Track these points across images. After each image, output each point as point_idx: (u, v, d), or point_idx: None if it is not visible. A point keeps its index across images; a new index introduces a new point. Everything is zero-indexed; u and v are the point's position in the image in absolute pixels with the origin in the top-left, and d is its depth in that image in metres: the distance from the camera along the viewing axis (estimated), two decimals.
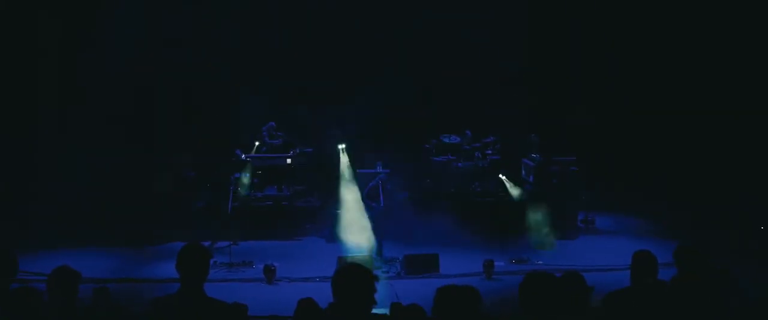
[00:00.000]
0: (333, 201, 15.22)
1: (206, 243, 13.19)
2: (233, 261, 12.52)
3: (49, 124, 15.21)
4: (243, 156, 15.31)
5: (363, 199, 12.93)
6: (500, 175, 15.04)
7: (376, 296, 4.01)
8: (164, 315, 4.15)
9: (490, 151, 16.24)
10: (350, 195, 13.76)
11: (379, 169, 14.79)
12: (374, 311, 4.29)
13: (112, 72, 15.16)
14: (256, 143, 15.66)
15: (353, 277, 3.92)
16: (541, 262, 12.44)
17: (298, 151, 15.71)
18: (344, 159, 14.43)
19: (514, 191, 14.70)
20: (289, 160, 15.52)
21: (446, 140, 16.18)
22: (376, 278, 4.03)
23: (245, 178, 14.71)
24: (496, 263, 11.88)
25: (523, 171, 16.08)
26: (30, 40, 15.00)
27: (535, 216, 13.70)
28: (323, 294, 4.38)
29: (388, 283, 11.54)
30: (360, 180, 14.87)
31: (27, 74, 14.99)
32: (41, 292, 4.99)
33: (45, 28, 15.16)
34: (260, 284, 11.57)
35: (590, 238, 14.60)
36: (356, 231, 12.96)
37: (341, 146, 14.98)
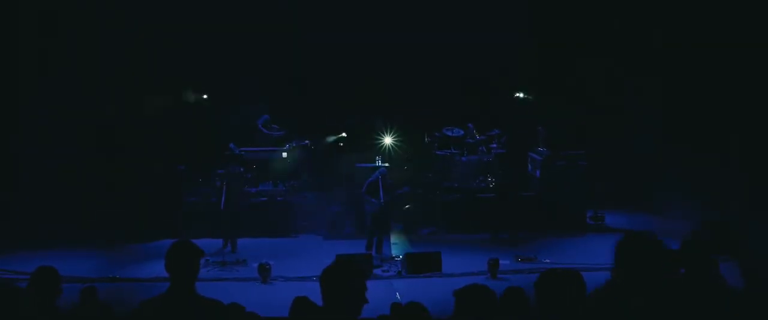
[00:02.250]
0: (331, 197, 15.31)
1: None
2: (226, 260, 12.53)
3: (29, 118, 15.21)
4: (236, 149, 15.31)
5: (362, 195, 12.92)
6: None
7: (375, 297, 4.00)
8: (154, 317, 4.16)
9: (494, 145, 16.24)
10: None
11: (379, 163, 14.79)
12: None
13: (96, 65, 15.20)
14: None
15: (341, 276, 3.91)
16: (548, 261, 12.45)
17: (294, 144, 15.71)
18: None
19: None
20: (284, 154, 15.53)
21: (449, 133, 16.17)
22: (365, 275, 4.00)
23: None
24: (501, 261, 11.89)
25: (530, 166, 16.08)
26: (8, 33, 15.00)
27: None
28: (320, 294, 4.39)
29: (388, 283, 11.57)
30: (359, 174, 14.90)
31: (5, 70, 15.00)
32: (21, 290, 5.02)
33: (24, 17, 15.17)
34: (255, 283, 11.58)
35: (599, 236, 14.59)
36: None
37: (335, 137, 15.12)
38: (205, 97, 16.45)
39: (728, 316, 4.76)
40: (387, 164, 14.89)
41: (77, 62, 15.18)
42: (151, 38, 15.67)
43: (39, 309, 4.94)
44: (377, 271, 12.10)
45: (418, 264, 11.99)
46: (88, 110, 15.23)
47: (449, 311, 6.01)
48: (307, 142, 15.95)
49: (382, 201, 12.56)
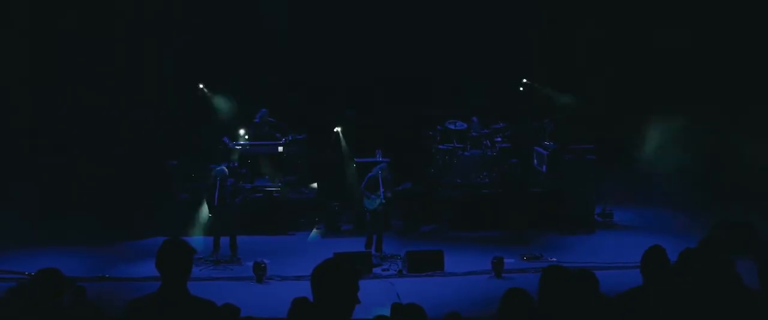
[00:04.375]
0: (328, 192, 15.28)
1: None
2: (220, 258, 12.51)
3: (16, 114, 15.24)
4: (231, 143, 15.28)
5: (362, 191, 12.89)
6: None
7: (375, 296, 3.99)
8: (143, 317, 4.14)
9: (499, 139, 16.20)
10: None
11: (379, 158, 14.77)
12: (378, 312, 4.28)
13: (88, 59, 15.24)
14: (241, 131, 15.68)
15: (332, 274, 3.89)
16: (554, 259, 12.44)
17: (290, 138, 15.67)
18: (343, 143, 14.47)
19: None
20: (280, 149, 15.49)
21: (452, 126, 16.13)
22: (358, 274, 3.99)
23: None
24: (505, 260, 11.88)
25: (536, 161, 16.04)
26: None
27: None
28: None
29: (388, 282, 11.55)
30: (358, 169, 14.88)
31: None
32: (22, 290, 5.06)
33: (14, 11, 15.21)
34: (249, 282, 11.57)
35: (608, 233, 14.58)
36: None
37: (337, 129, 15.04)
38: (201, 86, 16.44)
39: (745, 316, 4.76)
40: (388, 158, 14.86)
41: (69, 58, 15.19)
42: (144, 34, 15.69)
43: (41, 312, 4.97)
44: (377, 270, 12.10)
45: (420, 263, 11.99)
46: (81, 106, 15.24)
47: (452, 310, 6.01)
48: (303, 136, 15.90)
49: (382, 197, 12.53)
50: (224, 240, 12.77)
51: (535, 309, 4.72)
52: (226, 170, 12.98)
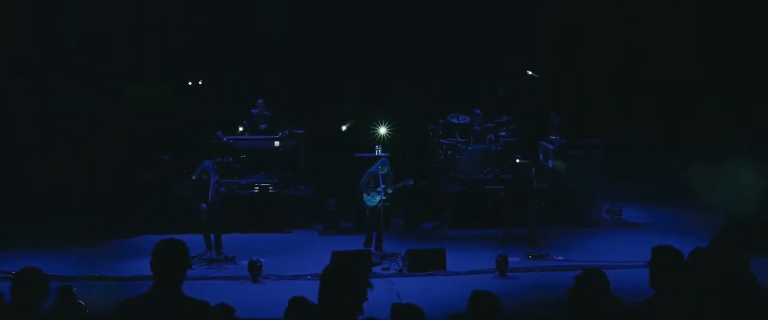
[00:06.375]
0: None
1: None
2: (213, 257, 12.51)
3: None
4: (225, 137, 15.28)
5: (361, 187, 12.90)
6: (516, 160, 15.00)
7: (375, 297, 4.00)
8: (136, 317, 4.15)
9: (503, 133, 16.20)
10: None
11: (379, 153, 14.77)
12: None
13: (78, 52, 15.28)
14: (240, 129, 15.69)
15: (341, 276, 3.89)
16: (560, 258, 12.46)
17: (287, 132, 15.68)
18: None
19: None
20: (277, 143, 15.49)
21: (454, 120, 16.13)
22: (368, 273, 4.01)
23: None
24: (510, 259, 11.89)
25: (541, 155, 16.05)
26: None
27: None
28: (315, 294, 4.39)
29: (388, 282, 11.56)
30: (358, 165, 14.88)
31: None
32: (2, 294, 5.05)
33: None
34: (244, 282, 11.58)
35: (616, 231, 14.59)
36: None
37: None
38: (200, 82, 16.50)
39: (760, 315, 4.76)
40: (388, 153, 14.87)
41: (59, 51, 15.21)
42: (137, 28, 15.72)
43: (23, 314, 4.96)
44: (377, 269, 12.11)
45: (421, 262, 12.00)
46: (71, 100, 15.27)
47: (454, 311, 6.01)
48: (301, 131, 15.91)
49: (382, 193, 12.53)
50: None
51: (502, 311, 4.81)
52: (212, 166, 12.98)
